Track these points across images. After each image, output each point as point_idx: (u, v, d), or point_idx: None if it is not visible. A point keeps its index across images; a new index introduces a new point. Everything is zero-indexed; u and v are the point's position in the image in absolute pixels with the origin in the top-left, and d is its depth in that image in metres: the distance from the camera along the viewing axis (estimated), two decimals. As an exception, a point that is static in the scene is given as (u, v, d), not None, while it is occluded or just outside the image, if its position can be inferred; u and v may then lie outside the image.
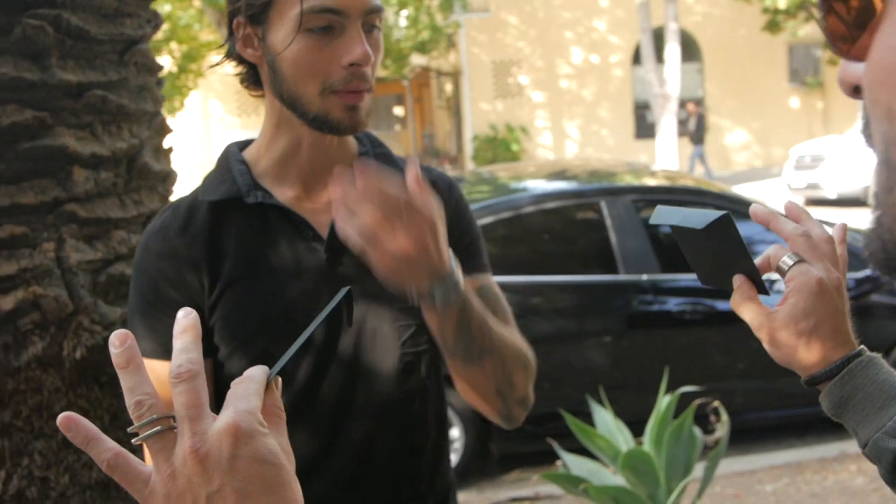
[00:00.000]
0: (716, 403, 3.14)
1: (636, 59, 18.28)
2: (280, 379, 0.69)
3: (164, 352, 1.21)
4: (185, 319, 0.65)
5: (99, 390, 1.78)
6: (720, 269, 0.95)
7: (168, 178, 2.04)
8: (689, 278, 4.41)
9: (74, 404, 1.73)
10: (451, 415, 4.42)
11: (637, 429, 3.23)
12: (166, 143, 2.11)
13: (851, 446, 4.49)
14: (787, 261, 0.89)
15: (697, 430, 2.97)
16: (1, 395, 1.65)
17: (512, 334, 1.25)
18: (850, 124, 18.95)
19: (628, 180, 5.36)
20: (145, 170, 1.93)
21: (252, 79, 1.27)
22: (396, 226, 0.99)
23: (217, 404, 1.24)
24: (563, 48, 19.04)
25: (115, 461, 0.62)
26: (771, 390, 4.58)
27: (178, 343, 0.64)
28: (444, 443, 1.36)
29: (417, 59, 19.42)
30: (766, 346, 0.90)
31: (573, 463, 3.11)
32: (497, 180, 5.68)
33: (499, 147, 18.72)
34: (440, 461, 1.35)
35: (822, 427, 4.77)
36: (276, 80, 1.18)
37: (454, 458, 4.48)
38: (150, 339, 1.22)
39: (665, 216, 0.93)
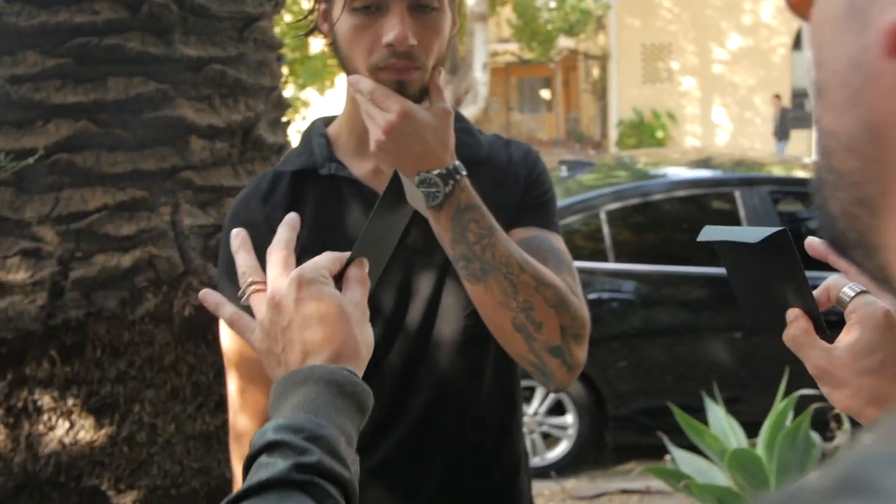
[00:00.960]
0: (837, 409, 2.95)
1: (796, 44, 17.30)
2: (365, 259, 0.84)
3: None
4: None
5: (206, 347, 1.89)
6: (771, 297, 0.85)
7: (282, 149, 2.13)
8: (825, 276, 4.17)
9: (182, 359, 1.86)
10: (567, 402, 4.39)
11: (753, 430, 3.10)
12: (285, 118, 2.21)
13: None
14: (848, 291, 0.81)
15: (816, 436, 2.82)
16: (118, 346, 1.79)
17: (547, 272, 1.18)
18: None
19: (772, 171, 5.10)
20: (259, 141, 2.02)
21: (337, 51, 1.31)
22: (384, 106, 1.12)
23: None
24: (718, 32, 18.26)
25: (233, 318, 0.86)
26: None
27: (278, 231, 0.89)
28: (512, 417, 1.36)
29: (565, 42, 19.17)
30: (824, 390, 0.80)
31: (682, 459, 3.03)
32: (635, 165, 5.55)
33: (644, 133, 18.23)
34: (507, 435, 1.36)
35: None
36: (338, 56, 1.22)
37: (566, 445, 4.45)
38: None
39: (712, 234, 0.84)
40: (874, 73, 0.31)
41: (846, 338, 0.79)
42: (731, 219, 4.45)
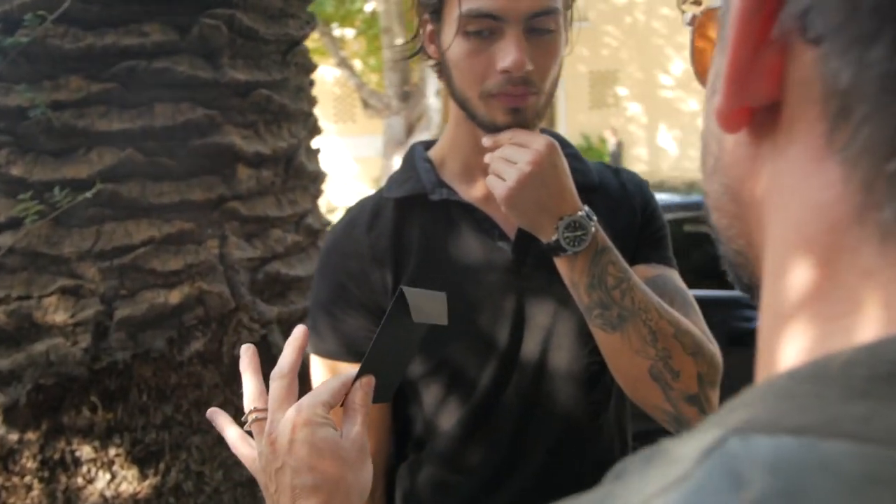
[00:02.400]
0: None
1: (739, 70, 17.81)
2: (372, 378, 0.80)
3: (347, 352, 1.19)
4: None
5: (253, 388, 1.78)
6: None
7: (318, 178, 2.04)
8: (721, 293, 4.22)
9: (230, 402, 1.74)
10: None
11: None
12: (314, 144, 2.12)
13: None
14: None
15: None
16: (164, 389, 1.67)
17: (682, 318, 1.15)
18: None
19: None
20: (301, 169, 1.93)
21: (443, 73, 1.24)
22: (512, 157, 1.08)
23: (400, 409, 1.20)
24: (662, 58, 18.70)
25: (236, 442, 0.81)
26: None
27: (284, 351, 0.80)
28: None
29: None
30: None
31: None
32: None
33: (592, 157, 18.46)
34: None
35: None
36: (448, 80, 1.15)
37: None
38: (333, 338, 1.20)
39: None
40: (729, 144, 0.35)
41: None
42: (705, 241, 4.47)
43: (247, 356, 0.84)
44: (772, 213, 0.35)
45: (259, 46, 1.81)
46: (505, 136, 1.12)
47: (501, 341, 1.19)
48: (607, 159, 18.33)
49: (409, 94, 14.73)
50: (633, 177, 1.32)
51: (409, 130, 14.78)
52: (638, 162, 18.90)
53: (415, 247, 1.21)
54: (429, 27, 1.16)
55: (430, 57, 1.23)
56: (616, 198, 1.26)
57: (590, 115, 18.98)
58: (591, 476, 1.30)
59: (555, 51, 1.14)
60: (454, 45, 1.10)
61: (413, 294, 0.80)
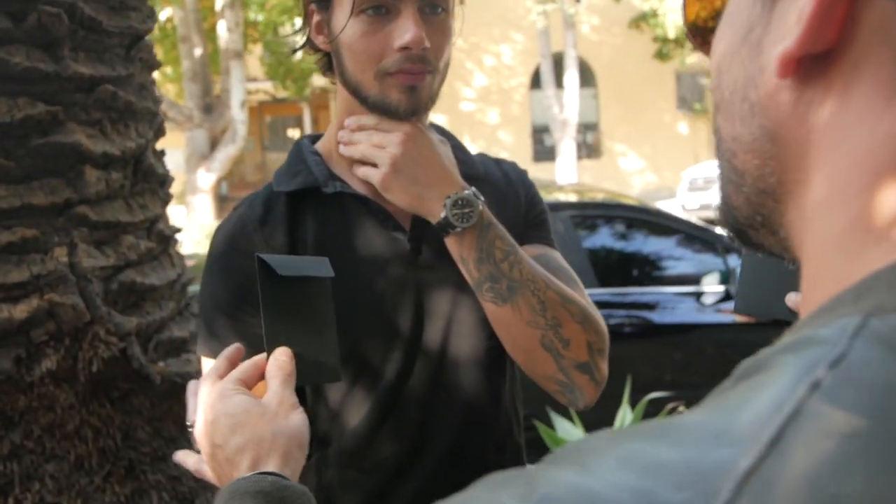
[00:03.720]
0: (682, 409, 3.21)
1: (534, 83, 18.75)
2: (284, 348, 0.82)
3: (252, 352, 1.13)
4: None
5: (111, 407, 1.64)
6: (777, 285, 0.96)
7: (166, 181, 1.93)
8: (633, 292, 4.55)
9: (87, 423, 1.60)
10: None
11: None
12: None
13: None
14: None
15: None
16: (11, 415, 1.50)
17: (568, 289, 1.19)
18: (733, 149, 19.96)
19: (561, 197, 5.46)
20: (150, 171, 1.81)
21: (328, 66, 1.22)
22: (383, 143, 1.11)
23: (304, 402, 1.17)
24: (464, 73, 19.32)
25: (198, 469, 0.84)
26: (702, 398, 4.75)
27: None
28: (521, 438, 1.33)
29: (318, 81, 19.27)
30: None
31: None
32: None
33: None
34: (520, 457, 1.33)
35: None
36: (339, 66, 1.15)
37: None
38: (237, 339, 1.15)
39: None
40: (769, 89, 0.40)
41: None
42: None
43: (190, 389, 0.89)
44: (827, 148, 0.38)
45: (102, 39, 1.68)
46: (370, 121, 1.13)
47: (404, 331, 1.19)
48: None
49: (211, 106, 14.24)
50: (514, 166, 1.37)
51: (213, 143, 14.29)
52: (445, 172, 19.39)
53: (311, 240, 1.18)
54: (315, 18, 1.15)
55: (316, 50, 1.21)
56: (500, 186, 1.29)
57: (396, 128, 19.24)
58: (494, 456, 1.33)
59: (448, 30, 1.17)
60: (348, 28, 1.09)
61: (274, 258, 0.81)
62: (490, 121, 19.53)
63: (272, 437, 0.72)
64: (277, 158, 24.80)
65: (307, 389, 1.19)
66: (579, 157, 16.53)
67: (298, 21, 1.22)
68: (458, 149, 1.30)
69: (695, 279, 4.92)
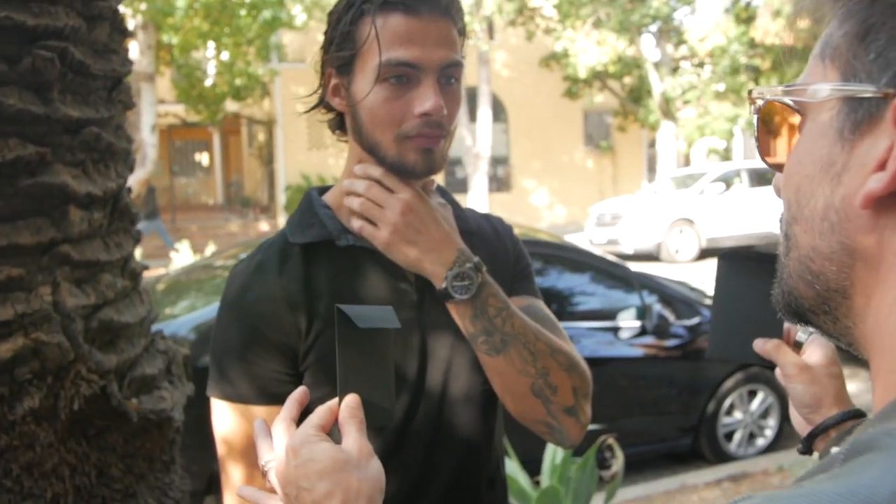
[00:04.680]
0: (610, 441, 3.37)
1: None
2: (354, 395, 0.88)
3: (261, 395, 1.20)
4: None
5: (86, 444, 1.66)
6: (747, 322, 1.03)
7: (136, 218, 1.96)
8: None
9: (65, 461, 1.61)
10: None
11: (529, 468, 3.38)
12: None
13: (690, 479, 4.92)
14: (803, 335, 1.05)
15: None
16: (-8, 453, 1.50)
17: (555, 338, 1.30)
18: (636, 186, 20.80)
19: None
20: (126, 210, 1.84)
21: (339, 125, 1.31)
22: (384, 204, 1.20)
23: None
24: (377, 103, 19.43)
25: (254, 496, 0.92)
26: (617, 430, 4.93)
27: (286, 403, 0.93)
28: (504, 473, 1.43)
29: (230, 106, 19.05)
30: (798, 388, 1.01)
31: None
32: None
33: (313, 197, 18.67)
34: (506, 493, 1.42)
35: (657, 463, 5.20)
36: (357, 128, 1.23)
37: None
38: (246, 383, 1.21)
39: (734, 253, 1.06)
40: (850, 214, 0.51)
41: (814, 353, 1.02)
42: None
43: (259, 429, 0.93)
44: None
45: (88, 82, 1.71)
46: (375, 172, 1.23)
47: (410, 374, 1.28)
48: (328, 199, 18.61)
49: (120, 130, 13.89)
50: (501, 221, 1.48)
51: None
52: (357, 201, 19.37)
53: (325, 290, 1.26)
54: (333, 81, 1.23)
55: (329, 109, 1.30)
56: (491, 240, 1.41)
57: (309, 156, 19.18)
58: (487, 492, 1.43)
59: (459, 98, 1.28)
60: (371, 93, 1.18)
61: (351, 309, 0.88)
62: (403, 152, 19.70)
63: (358, 483, 0.78)
64: (186, 183, 24.29)
65: None
66: (490, 191, 16.86)
67: (213, 44, 1.28)
68: (453, 205, 1.40)
69: (610, 314, 5.14)
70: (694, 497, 4.75)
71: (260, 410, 1.21)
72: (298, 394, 0.92)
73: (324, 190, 1.37)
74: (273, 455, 0.86)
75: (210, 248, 11.71)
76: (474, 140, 15.63)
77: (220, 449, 1.24)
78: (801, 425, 1.03)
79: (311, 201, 1.32)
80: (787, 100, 0.58)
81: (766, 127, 0.61)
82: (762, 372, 5.26)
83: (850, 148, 0.51)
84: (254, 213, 20.21)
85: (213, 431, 1.25)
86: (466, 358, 1.31)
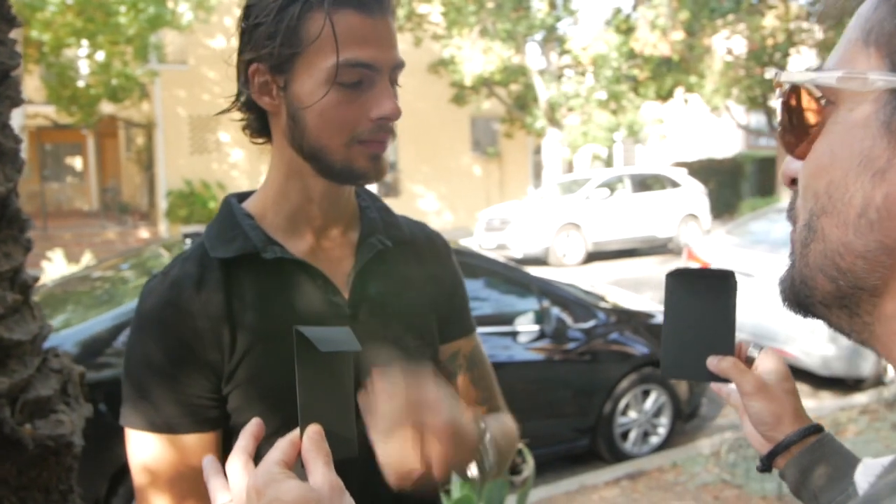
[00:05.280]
0: (521, 446, 3.36)
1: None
2: (316, 425, 0.79)
3: (192, 422, 1.10)
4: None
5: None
6: (699, 341, 1.01)
7: (26, 226, 1.79)
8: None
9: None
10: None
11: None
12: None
13: (589, 479, 5.01)
14: (754, 350, 1.03)
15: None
16: None
17: (508, 423, 1.31)
18: (523, 191, 21.21)
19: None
20: (16, 217, 1.68)
21: (257, 126, 1.21)
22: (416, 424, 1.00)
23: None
24: (263, 107, 19.02)
25: None
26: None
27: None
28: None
29: (106, 108, 18.21)
30: (756, 406, 0.98)
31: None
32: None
33: (195, 203, 18.09)
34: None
35: (555, 465, 5.27)
36: (297, 131, 1.14)
37: None
38: (175, 407, 1.11)
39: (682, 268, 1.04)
40: (893, 213, 0.49)
41: (767, 369, 1.01)
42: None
43: (210, 466, 0.83)
44: None
45: (-27, 75, 1.55)
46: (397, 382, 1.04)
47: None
48: (213, 204, 18.06)
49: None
50: (440, 237, 1.43)
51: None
52: (242, 207, 18.89)
53: (250, 304, 1.17)
54: (260, 78, 1.12)
55: (249, 109, 1.18)
56: (425, 248, 1.35)
57: (191, 160, 18.56)
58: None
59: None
60: (320, 95, 1.09)
61: (311, 331, 0.80)
62: (290, 157, 19.35)
63: None
64: (58, 188, 23.03)
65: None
66: (379, 195, 16.74)
67: (86, 42, 1.15)
68: (384, 211, 1.33)
69: (508, 319, 5.18)
70: (595, 497, 4.83)
71: (190, 439, 1.11)
72: (253, 426, 0.83)
73: (243, 197, 1.27)
74: (229, 496, 0.77)
75: (87, 258, 11.12)
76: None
77: (140, 480, 1.13)
78: (759, 443, 1.01)
79: (231, 210, 1.21)
80: (820, 84, 0.54)
81: (790, 113, 0.58)
82: (654, 372, 5.42)
83: None
84: (133, 220, 19.35)
85: (129, 461, 1.13)
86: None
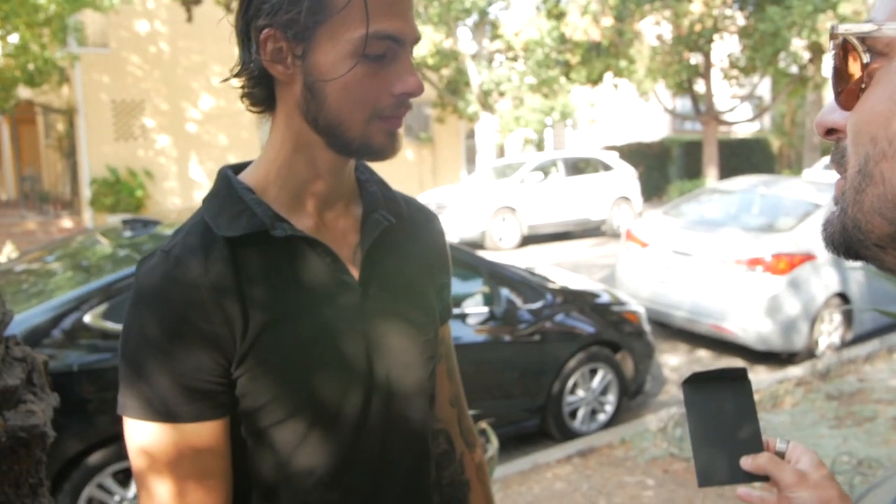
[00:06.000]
0: (484, 426, 3.37)
1: (267, 107, 18.48)
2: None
3: (196, 409, 1.05)
4: None
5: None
6: (728, 443, 1.02)
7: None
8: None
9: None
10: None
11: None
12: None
13: (541, 457, 5.06)
14: (782, 444, 1.03)
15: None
16: None
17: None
18: (456, 176, 21.22)
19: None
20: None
21: (262, 95, 1.14)
22: None
23: (237, 461, 1.11)
24: (189, 92, 18.55)
25: None
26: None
27: None
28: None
29: (23, 93, 17.47)
30: (803, 495, 0.98)
31: None
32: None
33: (121, 192, 17.53)
34: (434, 472, 1.38)
35: (506, 445, 5.30)
36: (314, 103, 1.08)
37: None
38: (176, 387, 1.05)
39: (695, 379, 1.04)
40: None
41: (801, 459, 1.02)
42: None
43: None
44: None
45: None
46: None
47: (359, 367, 1.18)
48: (140, 193, 17.55)
49: None
50: (436, 218, 1.39)
51: None
52: (171, 195, 18.44)
53: (261, 282, 1.12)
54: (274, 44, 1.06)
55: (253, 77, 1.11)
56: (418, 222, 1.33)
57: (115, 147, 17.97)
58: (435, 488, 1.36)
59: None
60: (344, 69, 1.04)
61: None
62: (219, 143, 18.93)
63: None
64: (-28, 178, 21.97)
65: (247, 437, 1.12)
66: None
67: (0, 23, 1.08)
68: (381, 185, 1.30)
69: (456, 301, 5.18)
70: (548, 475, 4.88)
71: (193, 428, 1.05)
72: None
73: (238, 168, 1.21)
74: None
75: (7, 249, 10.66)
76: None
77: (139, 463, 1.07)
78: None
79: (230, 184, 1.15)
80: (878, 36, 0.56)
81: (842, 64, 0.60)
82: (601, 350, 5.50)
83: None
84: (54, 210, 18.64)
85: (128, 448, 1.08)
86: (413, 345, 1.24)
